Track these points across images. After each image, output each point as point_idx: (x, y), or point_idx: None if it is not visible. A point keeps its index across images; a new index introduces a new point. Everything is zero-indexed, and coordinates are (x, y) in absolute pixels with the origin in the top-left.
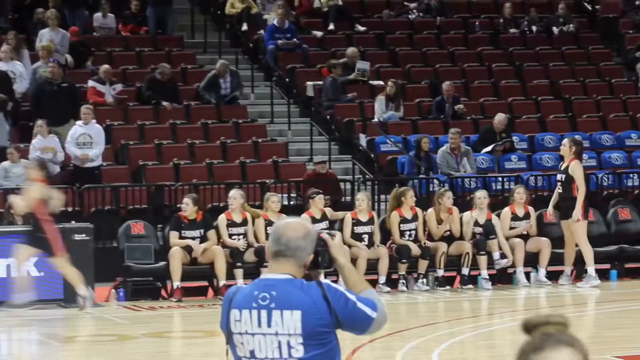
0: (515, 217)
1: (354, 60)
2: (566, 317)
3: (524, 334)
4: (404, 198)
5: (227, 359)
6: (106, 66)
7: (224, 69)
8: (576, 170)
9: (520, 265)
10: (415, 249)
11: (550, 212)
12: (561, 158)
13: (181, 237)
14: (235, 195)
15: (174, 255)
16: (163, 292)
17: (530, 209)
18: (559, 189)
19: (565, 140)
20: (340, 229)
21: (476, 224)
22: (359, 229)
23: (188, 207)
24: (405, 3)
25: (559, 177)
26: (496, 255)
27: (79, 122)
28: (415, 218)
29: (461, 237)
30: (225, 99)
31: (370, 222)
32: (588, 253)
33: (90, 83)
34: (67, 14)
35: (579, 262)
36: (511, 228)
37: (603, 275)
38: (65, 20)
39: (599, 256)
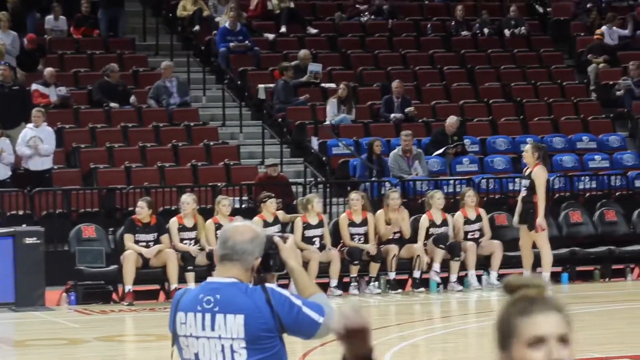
0: (467, 221)
1: (306, 63)
2: (545, 281)
3: (505, 294)
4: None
5: None
6: (50, 69)
7: (168, 71)
8: (539, 175)
9: (472, 268)
10: (370, 249)
11: (515, 222)
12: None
13: (135, 241)
14: (188, 200)
15: (128, 258)
16: (114, 296)
17: (482, 211)
18: (522, 194)
19: (528, 147)
20: (292, 232)
21: (432, 224)
22: (310, 232)
23: (143, 211)
24: (357, 6)
25: (523, 182)
26: (436, 266)
27: (29, 125)
28: (364, 222)
29: (412, 240)
30: (171, 106)
31: (321, 225)
32: (548, 259)
33: (34, 86)
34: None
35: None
36: (465, 232)
37: (554, 278)
38: (17, 22)
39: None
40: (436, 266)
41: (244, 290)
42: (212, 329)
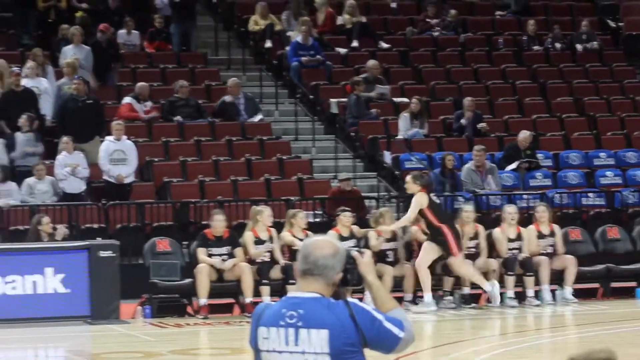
0: (540, 235)
1: (375, 74)
2: (613, 351)
3: None
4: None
5: None
6: (143, 84)
7: (236, 88)
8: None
9: (545, 283)
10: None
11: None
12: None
13: (208, 255)
14: (265, 213)
15: (201, 271)
16: (189, 309)
17: (555, 227)
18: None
19: (408, 177)
20: (366, 246)
21: (508, 239)
22: (383, 246)
23: (219, 223)
24: (428, 20)
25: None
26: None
27: (109, 138)
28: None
29: (489, 254)
30: (240, 121)
31: (394, 238)
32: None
33: (127, 99)
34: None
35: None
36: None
37: (629, 292)
38: (89, 37)
39: (624, 273)
40: (510, 293)
41: (326, 305)
42: (296, 343)
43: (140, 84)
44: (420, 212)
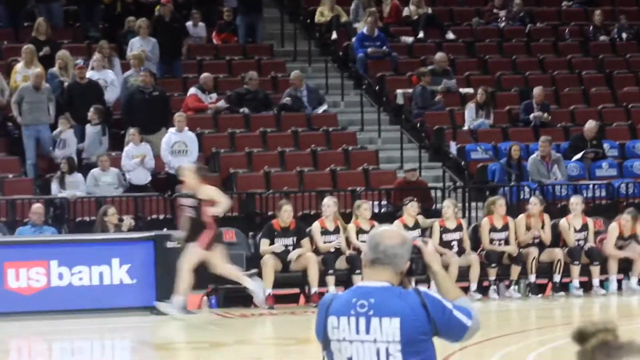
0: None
1: (443, 66)
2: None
3: (578, 343)
4: (494, 206)
5: None
6: (208, 75)
7: (299, 79)
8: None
9: (613, 273)
10: (511, 250)
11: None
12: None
13: (274, 245)
14: (329, 203)
15: (266, 262)
16: (255, 300)
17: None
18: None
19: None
20: (430, 237)
21: (573, 229)
22: (447, 237)
23: (287, 214)
24: (495, 11)
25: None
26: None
27: (172, 130)
28: (505, 227)
29: (554, 244)
30: (305, 112)
31: (459, 229)
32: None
33: (192, 90)
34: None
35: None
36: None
37: None
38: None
39: None
40: (576, 282)
41: (397, 294)
42: (367, 332)
43: (204, 74)
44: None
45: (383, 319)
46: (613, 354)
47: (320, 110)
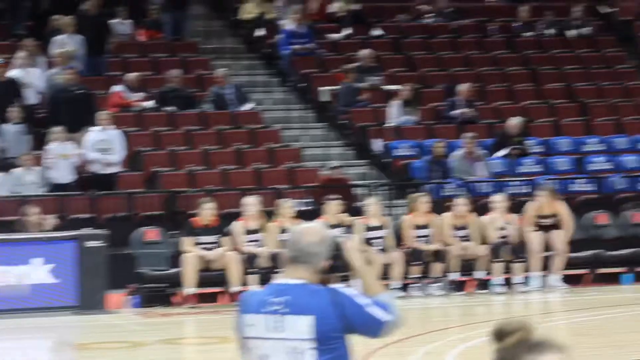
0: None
1: (368, 63)
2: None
3: (496, 341)
4: (418, 203)
5: None
6: (135, 74)
7: (223, 77)
8: None
9: (536, 270)
10: (434, 248)
11: None
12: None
13: (196, 243)
14: (251, 202)
15: (188, 261)
16: (177, 299)
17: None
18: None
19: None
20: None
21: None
22: (370, 234)
23: (210, 212)
24: (420, 7)
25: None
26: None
27: (96, 128)
28: (429, 224)
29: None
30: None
31: (382, 226)
32: None
33: (117, 88)
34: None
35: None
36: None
37: (616, 278)
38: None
39: (612, 259)
40: (498, 279)
41: (312, 291)
42: (281, 330)
43: (130, 74)
44: None
45: (296, 317)
46: (530, 351)
47: (246, 108)
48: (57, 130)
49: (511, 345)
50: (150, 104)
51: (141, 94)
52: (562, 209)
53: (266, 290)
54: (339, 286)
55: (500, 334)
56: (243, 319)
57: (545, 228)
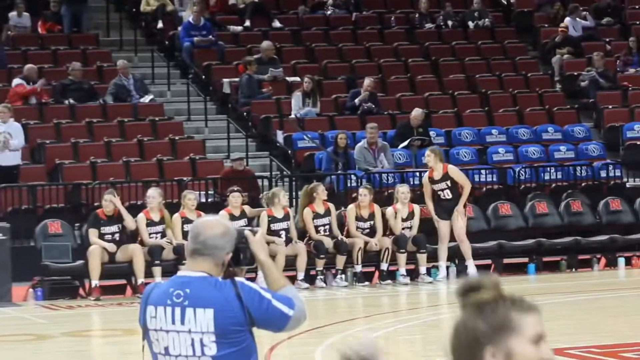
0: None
1: (269, 55)
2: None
3: (465, 295)
4: (316, 193)
5: (144, 355)
6: (31, 65)
7: (125, 69)
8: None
9: (442, 260)
10: (329, 244)
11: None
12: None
13: (100, 234)
14: (154, 195)
15: (93, 253)
16: (81, 291)
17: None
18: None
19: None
20: (258, 226)
21: (400, 218)
22: (275, 226)
23: (110, 204)
24: None
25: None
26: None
27: None
28: (327, 213)
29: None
30: (132, 102)
31: (286, 218)
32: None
33: (17, 81)
34: None
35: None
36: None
37: (521, 269)
38: None
39: (516, 250)
40: (402, 270)
41: (213, 284)
42: (182, 322)
43: (28, 65)
44: None
45: (197, 310)
46: (515, 308)
47: (147, 100)
48: None
49: (489, 300)
50: (41, 83)
51: (40, 84)
52: (453, 172)
53: (168, 282)
54: (242, 279)
55: (471, 288)
56: (146, 311)
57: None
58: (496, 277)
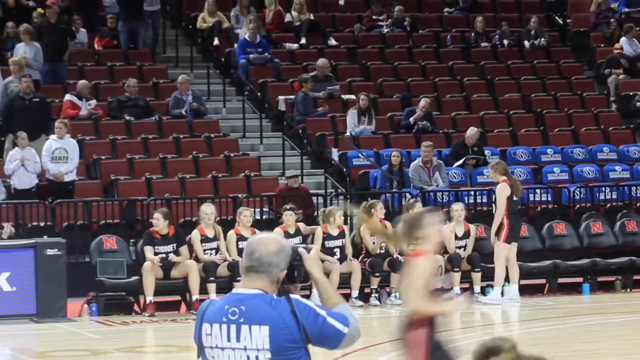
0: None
1: (325, 72)
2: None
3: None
4: (374, 210)
5: None
6: (84, 81)
7: (185, 85)
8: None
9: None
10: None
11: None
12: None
13: (154, 253)
14: (209, 211)
15: (148, 269)
16: (136, 307)
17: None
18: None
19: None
20: (312, 243)
21: (455, 236)
22: (330, 243)
23: (159, 222)
24: (375, 17)
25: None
26: (456, 289)
27: (53, 137)
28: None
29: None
30: (187, 118)
31: (341, 235)
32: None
33: (68, 97)
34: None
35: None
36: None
37: (575, 288)
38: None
39: (571, 269)
40: (456, 289)
41: (268, 302)
42: (238, 340)
43: (80, 81)
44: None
45: (253, 327)
46: None
47: (203, 116)
48: (20, 135)
49: None
50: (97, 112)
51: (94, 102)
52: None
53: (223, 300)
54: (297, 297)
55: (491, 352)
56: (201, 328)
57: None
58: (512, 340)
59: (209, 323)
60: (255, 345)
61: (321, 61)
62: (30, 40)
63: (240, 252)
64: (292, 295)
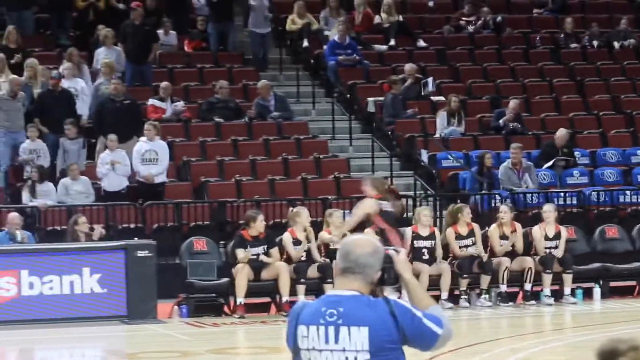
0: (545, 237)
1: (413, 76)
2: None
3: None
4: (460, 214)
5: None
6: (166, 83)
7: (266, 90)
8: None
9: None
10: (477, 252)
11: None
12: None
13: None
14: (303, 213)
15: (240, 271)
16: (226, 309)
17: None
18: None
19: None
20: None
21: (546, 237)
22: (419, 243)
23: (261, 224)
24: (463, 19)
25: None
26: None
27: (143, 139)
28: (471, 234)
29: (525, 253)
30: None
31: (431, 237)
32: None
33: (150, 101)
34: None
35: None
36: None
37: None
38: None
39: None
40: (547, 291)
41: (366, 303)
42: (336, 341)
43: (163, 83)
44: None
45: (352, 328)
46: None
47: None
48: (111, 137)
49: None
50: (180, 106)
51: (181, 104)
52: None
53: (319, 302)
54: (394, 298)
55: (612, 355)
56: (296, 330)
57: None
58: (636, 340)
59: (305, 325)
60: (354, 346)
61: (408, 66)
62: (112, 44)
63: (330, 254)
64: (389, 297)
